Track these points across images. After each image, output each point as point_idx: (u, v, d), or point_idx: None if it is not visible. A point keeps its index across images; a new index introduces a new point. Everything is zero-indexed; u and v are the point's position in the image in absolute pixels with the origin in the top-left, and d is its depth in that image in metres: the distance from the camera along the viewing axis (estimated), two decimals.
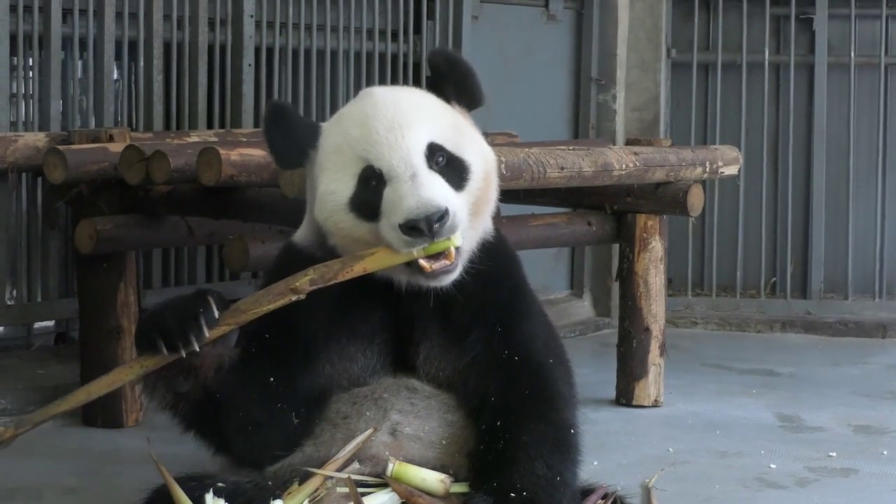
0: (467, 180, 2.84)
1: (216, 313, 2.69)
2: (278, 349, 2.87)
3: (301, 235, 3.03)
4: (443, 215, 2.70)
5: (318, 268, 2.73)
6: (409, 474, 2.80)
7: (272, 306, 2.70)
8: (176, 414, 2.88)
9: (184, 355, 2.68)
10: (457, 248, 2.78)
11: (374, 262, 2.75)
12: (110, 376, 2.74)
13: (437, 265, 2.76)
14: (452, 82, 2.97)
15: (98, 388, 2.76)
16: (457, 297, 2.89)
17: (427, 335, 2.95)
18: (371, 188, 2.79)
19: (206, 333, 2.68)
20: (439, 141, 2.83)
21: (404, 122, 2.82)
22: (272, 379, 2.86)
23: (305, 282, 2.69)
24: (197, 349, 2.68)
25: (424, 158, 2.80)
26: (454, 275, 2.81)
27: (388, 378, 2.95)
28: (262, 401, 2.86)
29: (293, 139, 2.92)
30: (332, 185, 2.84)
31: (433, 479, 2.81)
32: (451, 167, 2.83)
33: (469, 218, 2.83)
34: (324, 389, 2.93)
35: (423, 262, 2.75)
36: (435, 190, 2.74)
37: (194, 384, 2.79)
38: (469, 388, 2.93)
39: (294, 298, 2.69)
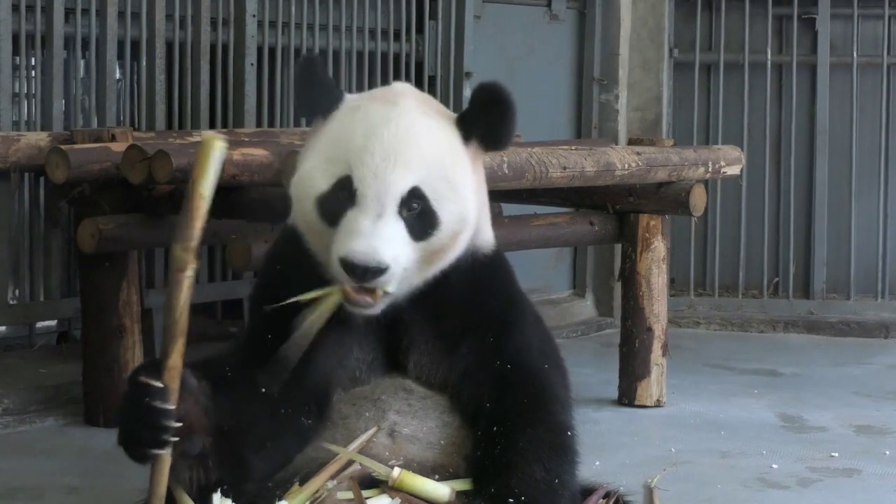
0: (431, 235, 2.80)
1: (160, 382, 2.59)
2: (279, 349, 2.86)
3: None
4: (379, 270, 2.71)
5: (177, 239, 2.57)
6: (412, 484, 2.78)
7: (185, 293, 2.55)
8: (207, 477, 2.78)
9: (176, 438, 2.61)
10: (386, 293, 2.78)
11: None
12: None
13: (359, 297, 2.76)
14: (485, 119, 2.89)
15: None
16: (445, 307, 2.90)
17: (415, 343, 2.94)
18: (341, 198, 2.78)
19: (169, 405, 2.60)
20: (424, 188, 2.79)
21: (401, 156, 2.78)
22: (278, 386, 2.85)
23: (179, 253, 2.55)
24: (175, 424, 2.60)
25: (399, 201, 2.77)
26: (374, 311, 2.81)
27: (385, 379, 2.95)
28: (272, 411, 2.83)
29: (312, 97, 2.93)
30: (314, 173, 2.83)
31: (436, 494, 2.79)
32: (422, 218, 2.80)
33: (417, 264, 2.81)
34: (326, 384, 2.91)
35: (347, 287, 2.76)
36: (388, 242, 2.73)
37: (197, 440, 2.71)
38: (463, 398, 2.92)
39: (189, 271, 2.55)
